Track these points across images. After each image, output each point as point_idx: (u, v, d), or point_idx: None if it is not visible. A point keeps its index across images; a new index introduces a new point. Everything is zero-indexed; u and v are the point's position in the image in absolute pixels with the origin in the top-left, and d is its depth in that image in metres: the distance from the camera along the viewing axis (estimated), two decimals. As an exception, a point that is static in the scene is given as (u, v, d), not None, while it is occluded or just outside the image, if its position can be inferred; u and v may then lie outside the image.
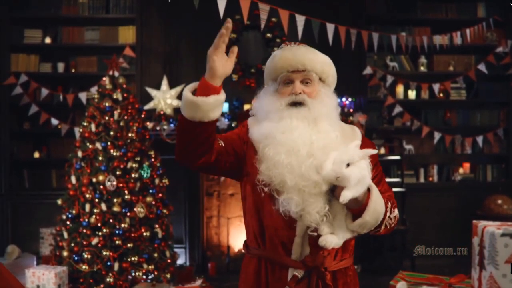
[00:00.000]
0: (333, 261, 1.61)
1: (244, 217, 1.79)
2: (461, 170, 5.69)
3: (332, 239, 1.52)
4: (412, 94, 5.58)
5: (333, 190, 1.54)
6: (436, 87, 5.40)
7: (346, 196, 1.45)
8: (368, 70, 5.30)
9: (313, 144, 1.59)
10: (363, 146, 1.59)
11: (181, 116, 1.59)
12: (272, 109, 1.68)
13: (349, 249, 1.68)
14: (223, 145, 1.68)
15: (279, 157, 1.58)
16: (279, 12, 3.43)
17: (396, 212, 1.65)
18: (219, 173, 1.79)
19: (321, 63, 1.71)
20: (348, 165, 1.46)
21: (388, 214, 1.60)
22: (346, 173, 1.45)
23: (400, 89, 5.57)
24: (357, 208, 1.53)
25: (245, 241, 1.79)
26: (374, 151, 1.55)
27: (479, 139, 5.52)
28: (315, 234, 1.54)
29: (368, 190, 1.53)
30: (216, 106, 1.55)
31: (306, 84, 1.70)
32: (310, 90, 1.69)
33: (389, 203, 1.62)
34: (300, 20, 3.49)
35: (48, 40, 5.31)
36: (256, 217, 1.69)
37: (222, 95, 1.57)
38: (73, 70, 5.36)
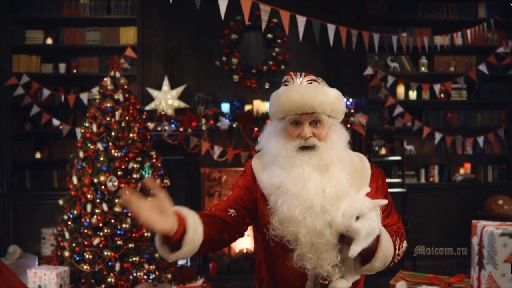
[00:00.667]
0: None
1: (255, 252, 1.78)
2: (462, 171, 5.69)
3: (342, 284, 1.53)
4: (413, 95, 5.59)
5: (343, 237, 1.52)
6: (437, 87, 5.41)
7: (355, 250, 1.44)
8: (369, 71, 5.30)
9: (325, 195, 1.55)
10: (372, 177, 1.61)
11: None
12: (282, 154, 1.63)
13: (360, 282, 1.69)
14: (235, 213, 1.64)
15: (293, 212, 1.54)
16: (280, 13, 3.43)
17: (405, 244, 1.64)
18: (246, 230, 1.74)
19: (331, 104, 1.63)
20: (357, 217, 1.45)
21: (396, 251, 1.57)
22: (356, 227, 1.43)
23: (401, 89, 5.58)
24: (366, 253, 1.51)
25: (257, 275, 1.79)
26: (385, 201, 1.50)
27: (480, 140, 5.53)
28: (326, 282, 1.55)
29: (378, 236, 1.50)
30: (194, 241, 1.45)
31: (316, 124, 1.64)
32: (319, 131, 1.64)
33: (398, 239, 1.60)
34: (301, 21, 3.50)
35: (49, 41, 5.32)
36: (266, 263, 1.68)
37: (189, 227, 1.45)
38: (74, 71, 5.37)
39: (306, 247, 1.51)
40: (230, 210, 1.63)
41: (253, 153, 4.36)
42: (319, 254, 1.51)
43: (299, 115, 1.61)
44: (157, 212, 1.36)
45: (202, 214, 1.56)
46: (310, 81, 1.67)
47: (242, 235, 1.69)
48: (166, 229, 1.37)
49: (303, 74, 1.69)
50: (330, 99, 1.63)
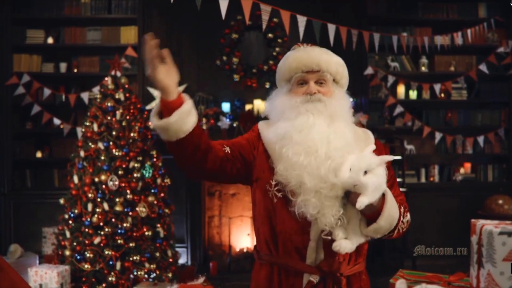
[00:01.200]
0: (347, 266, 1.59)
1: (254, 222, 1.75)
2: (462, 170, 5.70)
3: (346, 244, 1.50)
4: (413, 94, 5.59)
5: (348, 195, 1.52)
6: (437, 87, 5.41)
7: (362, 202, 1.44)
8: (369, 71, 5.31)
9: (330, 144, 1.56)
10: (377, 150, 1.58)
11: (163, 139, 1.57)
12: (287, 107, 1.66)
13: (363, 253, 1.67)
14: (229, 151, 1.65)
15: (298, 157, 1.55)
16: (280, 13, 3.44)
17: (408, 216, 1.65)
18: (228, 180, 1.74)
19: (336, 64, 1.70)
20: (365, 172, 1.45)
21: (401, 218, 1.59)
22: (364, 181, 1.43)
23: (401, 89, 5.58)
24: (371, 213, 1.51)
25: (255, 247, 1.76)
26: (391, 157, 1.53)
27: (480, 139, 5.53)
28: (329, 238, 1.53)
29: (383, 195, 1.51)
30: (183, 119, 1.50)
31: (321, 84, 1.68)
32: (324, 90, 1.67)
33: (402, 208, 1.61)
34: (302, 20, 3.51)
35: (50, 40, 5.33)
36: (267, 223, 1.65)
37: (186, 104, 1.52)
38: (75, 70, 5.38)
39: (310, 193, 1.51)
40: (225, 147, 1.66)
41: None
42: (322, 200, 1.50)
43: (305, 73, 1.66)
44: (164, 70, 1.48)
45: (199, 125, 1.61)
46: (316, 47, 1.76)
47: (224, 175, 1.68)
48: (167, 84, 1.47)
49: (310, 44, 1.78)
50: (335, 59, 1.71)
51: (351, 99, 1.79)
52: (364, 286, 1.67)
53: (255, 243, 1.76)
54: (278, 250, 1.63)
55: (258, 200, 1.69)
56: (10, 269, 1.66)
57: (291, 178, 1.54)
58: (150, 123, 4.64)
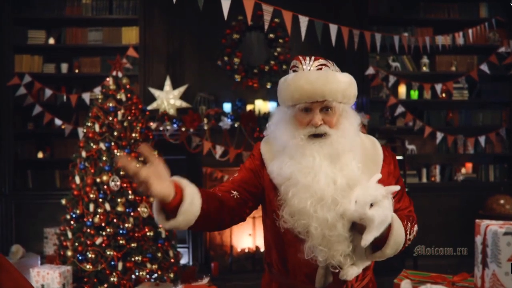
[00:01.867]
0: (356, 283, 1.62)
1: (264, 236, 1.76)
2: (463, 170, 5.70)
3: (352, 272, 1.52)
4: (414, 94, 5.59)
5: (354, 225, 1.50)
6: (438, 87, 5.41)
7: (367, 240, 1.43)
8: (370, 71, 5.31)
9: (336, 186, 1.52)
10: (384, 162, 1.59)
11: None
12: (292, 143, 1.59)
13: (370, 267, 1.69)
14: (238, 195, 1.62)
15: (304, 205, 1.51)
16: (282, 13, 3.44)
17: (416, 228, 1.64)
18: (247, 215, 1.71)
19: (342, 91, 1.58)
20: (371, 205, 1.42)
21: (408, 236, 1.57)
22: (370, 215, 1.41)
23: (402, 89, 5.58)
24: (377, 240, 1.49)
25: (265, 259, 1.77)
26: (397, 187, 1.48)
27: (482, 139, 5.53)
28: (337, 270, 1.53)
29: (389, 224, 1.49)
30: (189, 213, 1.45)
31: (326, 111, 1.59)
32: (330, 118, 1.58)
33: (409, 224, 1.58)
34: (303, 21, 3.51)
35: (51, 41, 5.34)
36: (276, 248, 1.67)
37: (186, 198, 1.44)
38: (76, 71, 5.38)
39: (318, 239, 1.49)
40: (233, 192, 1.61)
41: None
42: (330, 246, 1.49)
43: (309, 103, 1.57)
44: (155, 177, 1.34)
45: (203, 190, 1.54)
46: (320, 66, 1.62)
47: (243, 218, 1.67)
48: (163, 193, 1.36)
49: (312, 58, 1.64)
50: (342, 86, 1.58)
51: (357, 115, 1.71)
52: None
53: (264, 253, 1.78)
54: (288, 272, 1.65)
55: (268, 225, 1.70)
56: (13, 269, 1.66)
57: (297, 226, 1.52)
58: (151, 123, 4.64)
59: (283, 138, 1.61)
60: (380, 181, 1.50)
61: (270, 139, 1.71)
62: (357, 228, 1.48)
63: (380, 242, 1.49)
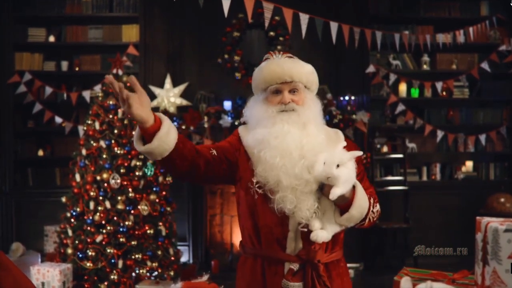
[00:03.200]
0: (324, 254, 1.72)
1: (239, 220, 1.91)
2: (464, 169, 5.69)
3: (322, 234, 1.64)
4: (415, 93, 5.59)
5: (322, 188, 1.67)
6: (439, 85, 5.41)
7: (335, 193, 1.58)
8: (371, 69, 5.30)
9: (303, 147, 1.71)
10: (347, 148, 1.71)
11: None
12: (264, 116, 1.80)
13: (339, 242, 1.80)
14: (215, 153, 1.79)
15: (274, 160, 1.70)
16: (283, 11, 3.43)
17: (377, 207, 1.79)
18: (215, 180, 1.90)
19: (307, 74, 1.83)
20: (337, 166, 1.59)
21: (371, 208, 1.73)
22: (336, 173, 1.58)
23: (403, 87, 5.57)
24: (344, 203, 1.66)
25: (241, 242, 1.91)
26: (360, 153, 1.68)
27: (482, 138, 5.52)
28: (306, 229, 1.66)
29: (354, 188, 1.66)
30: (164, 141, 1.61)
31: (294, 93, 1.81)
32: (297, 98, 1.80)
33: (372, 199, 1.75)
34: (304, 18, 3.50)
35: (52, 39, 5.33)
36: (250, 218, 1.80)
37: (163, 127, 1.61)
38: (76, 69, 5.38)
39: (287, 190, 1.66)
40: (211, 149, 1.79)
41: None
42: (298, 196, 1.65)
43: (279, 84, 1.79)
44: (137, 102, 1.54)
45: (182, 137, 1.70)
46: (289, 57, 1.87)
47: (218, 177, 1.83)
48: (142, 116, 1.55)
49: (281, 52, 1.90)
50: (306, 70, 1.84)
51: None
52: (342, 273, 1.80)
53: (240, 239, 1.92)
54: (261, 243, 1.77)
55: (241, 198, 1.84)
56: (14, 267, 1.66)
57: (269, 178, 1.70)
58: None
59: (256, 115, 1.83)
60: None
61: (247, 124, 1.91)
62: (325, 190, 1.65)
63: (346, 206, 1.65)
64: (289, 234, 1.73)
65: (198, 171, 1.75)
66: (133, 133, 4.04)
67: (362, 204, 1.68)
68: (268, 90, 1.82)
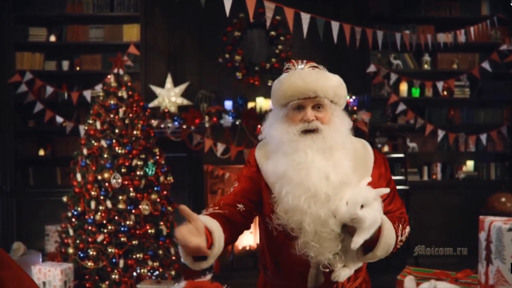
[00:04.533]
0: (347, 284, 1.65)
1: (259, 239, 1.82)
2: (464, 168, 5.69)
3: (344, 273, 1.55)
4: (415, 92, 5.59)
5: (346, 226, 1.53)
6: (440, 85, 5.40)
7: (357, 242, 1.46)
8: (372, 68, 5.30)
9: (329, 182, 1.54)
10: (375, 164, 1.63)
11: None
12: (285, 140, 1.62)
13: (362, 269, 1.71)
14: (243, 208, 1.67)
15: (298, 202, 1.53)
16: (284, 10, 3.43)
17: (407, 230, 1.64)
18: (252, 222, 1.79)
19: (333, 88, 1.63)
20: (362, 206, 1.46)
21: (399, 237, 1.59)
22: (361, 215, 1.44)
23: (403, 87, 5.57)
24: (369, 241, 1.51)
25: (261, 261, 1.82)
26: (387, 190, 1.52)
27: (483, 137, 5.52)
28: (328, 270, 1.56)
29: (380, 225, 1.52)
30: (217, 252, 1.52)
31: (318, 109, 1.63)
32: (322, 115, 1.62)
33: (400, 226, 1.60)
34: (306, 18, 3.50)
35: (52, 38, 5.33)
36: (269, 251, 1.72)
37: (215, 243, 1.50)
38: (77, 68, 5.38)
39: (310, 236, 1.51)
40: (238, 206, 1.65)
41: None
42: (321, 243, 1.51)
43: (302, 99, 1.60)
44: (193, 233, 1.42)
45: (220, 220, 1.58)
46: (312, 67, 1.67)
47: (249, 227, 1.73)
48: (200, 249, 1.42)
49: (305, 61, 1.69)
50: (332, 83, 1.63)
51: (348, 119, 1.75)
52: None
53: (259, 255, 1.84)
54: (281, 273, 1.69)
55: (262, 229, 1.76)
56: (17, 267, 1.66)
57: (291, 222, 1.55)
58: (152, 121, 4.63)
59: (277, 136, 1.64)
60: (370, 183, 1.53)
61: (265, 142, 1.75)
62: (348, 229, 1.51)
63: (371, 243, 1.51)
64: (311, 270, 1.63)
65: (235, 239, 1.69)
66: (134, 132, 4.07)
67: (388, 243, 1.53)
68: (289, 106, 1.64)
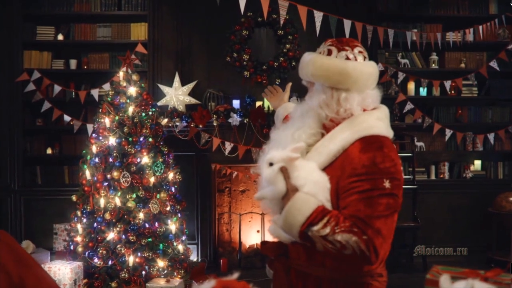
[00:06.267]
0: (296, 260, 1.65)
1: None
2: (472, 167, 5.68)
3: (272, 230, 1.63)
4: (423, 91, 5.57)
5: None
6: (447, 84, 5.39)
7: (257, 194, 1.58)
8: (379, 67, 5.28)
9: (293, 137, 1.66)
10: (351, 151, 1.54)
11: None
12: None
13: (317, 258, 1.59)
14: None
15: (267, 149, 1.69)
16: (297, 8, 3.43)
17: (343, 237, 1.41)
18: None
19: (304, 70, 1.73)
20: (271, 164, 1.52)
21: (323, 233, 1.43)
22: (262, 173, 1.55)
23: (411, 86, 5.56)
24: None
25: None
26: (295, 155, 1.52)
27: (491, 136, 5.51)
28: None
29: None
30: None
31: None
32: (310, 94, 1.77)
33: (333, 223, 1.43)
34: (318, 16, 3.50)
35: (60, 37, 5.33)
36: None
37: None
38: (85, 67, 5.38)
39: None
40: None
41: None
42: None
43: (309, 86, 1.78)
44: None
45: None
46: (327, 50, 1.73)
47: None
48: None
49: (329, 42, 1.73)
50: (302, 66, 1.74)
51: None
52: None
53: None
54: None
55: None
56: (36, 265, 1.66)
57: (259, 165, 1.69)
58: (161, 119, 4.62)
59: None
60: (335, 167, 1.54)
61: None
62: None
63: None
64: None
65: None
66: (144, 131, 4.06)
67: (289, 220, 1.48)
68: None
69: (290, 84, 2.40)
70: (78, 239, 3.95)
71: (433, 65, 5.57)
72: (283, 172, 1.51)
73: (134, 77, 4.23)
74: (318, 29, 3.61)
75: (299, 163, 1.53)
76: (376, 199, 1.45)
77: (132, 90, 4.15)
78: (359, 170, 1.48)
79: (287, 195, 1.51)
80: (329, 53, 1.68)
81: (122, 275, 3.79)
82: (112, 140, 4.01)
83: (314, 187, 1.49)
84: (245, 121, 4.95)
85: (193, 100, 5.13)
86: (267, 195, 1.54)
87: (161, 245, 3.98)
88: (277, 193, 1.51)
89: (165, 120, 4.77)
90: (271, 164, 1.51)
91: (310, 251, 1.57)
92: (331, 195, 1.53)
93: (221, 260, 4.96)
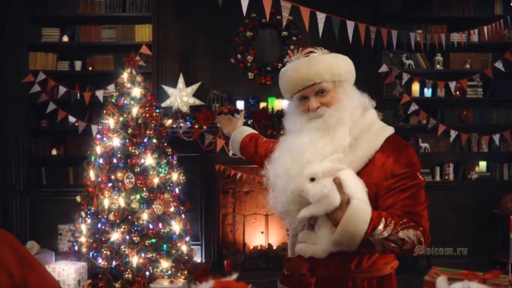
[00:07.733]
0: (320, 269, 1.64)
1: None
2: (477, 169, 5.65)
3: (306, 249, 1.56)
4: (428, 92, 5.55)
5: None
6: (452, 85, 5.37)
7: (302, 214, 1.49)
8: (384, 68, 5.26)
9: (317, 149, 1.56)
10: (383, 152, 1.57)
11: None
12: (293, 129, 1.70)
13: (350, 262, 1.63)
14: (272, 146, 1.90)
15: (282, 158, 1.62)
16: (300, 10, 3.42)
17: (407, 233, 1.48)
18: None
19: (328, 70, 1.61)
20: (313, 180, 1.45)
21: (384, 235, 1.47)
22: (306, 189, 1.45)
23: (416, 87, 5.54)
24: (335, 224, 1.49)
25: None
26: (343, 166, 1.50)
27: (496, 138, 5.48)
28: (302, 242, 1.60)
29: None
30: (234, 139, 2.39)
31: (322, 94, 1.63)
32: (326, 99, 1.62)
33: (393, 222, 1.48)
34: (321, 17, 3.49)
35: (65, 39, 5.36)
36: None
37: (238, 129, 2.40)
38: (90, 68, 5.40)
39: (282, 193, 1.57)
40: (271, 144, 2.06)
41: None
42: (289, 202, 1.55)
43: (302, 90, 1.64)
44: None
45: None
46: (307, 54, 1.67)
47: (262, 166, 1.83)
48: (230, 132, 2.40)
49: (300, 49, 1.70)
50: (325, 65, 1.61)
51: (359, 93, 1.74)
52: None
53: None
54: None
55: None
56: (39, 266, 1.66)
57: (270, 175, 1.64)
58: (165, 120, 4.64)
59: (289, 128, 1.74)
60: (368, 169, 1.56)
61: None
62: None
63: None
64: (290, 239, 1.69)
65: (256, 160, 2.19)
66: (148, 132, 4.08)
67: (350, 230, 1.46)
68: (295, 98, 1.68)
69: (243, 111, 2.68)
70: (82, 239, 3.96)
71: (438, 66, 5.56)
72: (336, 185, 1.48)
73: (139, 78, 4.24)
74: (321, 30, 3.60)
75: (341, 172, 1.51)
76: (418, 192, 1.57)
77: (137, 91, 4.17)
78: (400, 170, 1.57)
79: (340, 207, 1.48)
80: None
81: (126, 275, 3.80)
82: (117, 141, 4.03)
83: (362, 193, 1.51)
84: (249, 122, 4.95)
85: (197, 101, 5.14)
86: (318, 211, 1.46)
87: (165, 246, 3.99)
88: (331, 207, 1.46)
89: (169, 121, 4.79)
90: (312, 179, 1.45)
91: (344, 257, 1.60)
92: (370, 198, 1.55)
93: (225, 261, 4.97)
